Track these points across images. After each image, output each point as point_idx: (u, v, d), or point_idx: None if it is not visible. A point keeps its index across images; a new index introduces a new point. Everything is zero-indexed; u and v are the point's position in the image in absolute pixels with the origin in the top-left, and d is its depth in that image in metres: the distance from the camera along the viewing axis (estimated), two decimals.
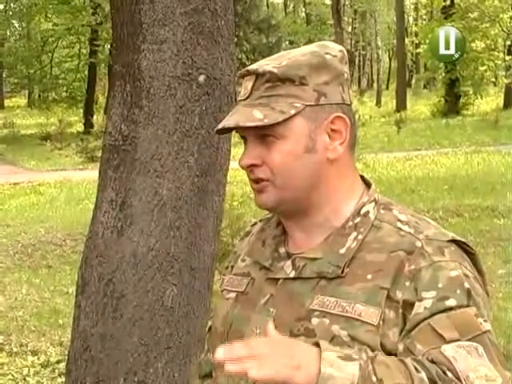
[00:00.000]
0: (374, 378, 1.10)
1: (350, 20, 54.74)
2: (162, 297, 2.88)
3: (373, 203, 1.37)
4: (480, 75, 31.04)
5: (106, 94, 30.88)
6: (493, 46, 30.79)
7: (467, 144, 19.48)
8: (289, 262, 1.36)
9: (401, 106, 32.46)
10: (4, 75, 36.69)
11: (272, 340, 1.10)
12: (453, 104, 29.76)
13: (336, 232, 1.35)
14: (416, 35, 39.91)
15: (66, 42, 33.53)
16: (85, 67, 32.52)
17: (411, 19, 53.52)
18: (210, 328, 1.56)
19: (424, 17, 48.90)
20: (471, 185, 12.10)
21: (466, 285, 1.25)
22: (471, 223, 9.59)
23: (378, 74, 43.26)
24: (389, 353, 1.22)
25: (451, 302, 1.22)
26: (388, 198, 1.41)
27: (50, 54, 33.39)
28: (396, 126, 24.26)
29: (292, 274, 1.35)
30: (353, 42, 53.99)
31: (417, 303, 1.23)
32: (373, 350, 1.22)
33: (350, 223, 1.35)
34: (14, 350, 5.69)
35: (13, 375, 5.22)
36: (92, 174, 12.52)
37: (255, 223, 1.55)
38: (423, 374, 1.12)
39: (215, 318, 1.49)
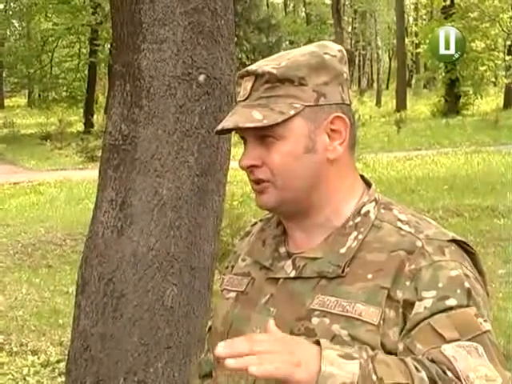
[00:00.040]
0: (374, 377, 1.10)
1: (350, 20, 54.75)
2: (162, 296, 2.88)
3: (373, 203, 1.37)
4: (480, 75, 31.04)
5: (106, 94, 30.89)
6: (493, 46, 30.79)
7: (467, 144, 19.48)
8: (289, 262, 1.36)
9: (401, 105, 32.46)
10: (4, 75, 36.70)
11: (272, 337, 1.10)
12: (453, 104, 29.77)
13: (336, 232, 1.35)
14: (416, 35, 39.93)
15: (66, 42, 33.53)
16: (85, 67, 32.52)
17: (411, 19, 53.54)
18: (210, 328, 1.56)
19: (424, 17, 48.91)
20: (471, 185, 12.10)
21: (467, 284, 1.25)
22: (471, 223, 9.59)
23: (378, 74, 43.26)
24: (389, 352, 1.22)
25: (451, 302, 1.22)
26: (388, 198, 1.41)
27: (50, 54, 33.39)
28: (396, 125, 24.26)
29: (292, 274, 1.35)
30: (353, 41, 54.00)
31: (417, 303, 1.23)
32: (373, 350, 1.22)
33: (351, 223, 1.35)
34: (14, 349, 5.69)
35: (13, 375, 5.22)
36: (92, 173, 12.52)
37: (255, 223, 1.55)
38: (423, 374, 1.12)
39: (215, 317, 1.49)
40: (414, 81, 49.38)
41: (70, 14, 28.61)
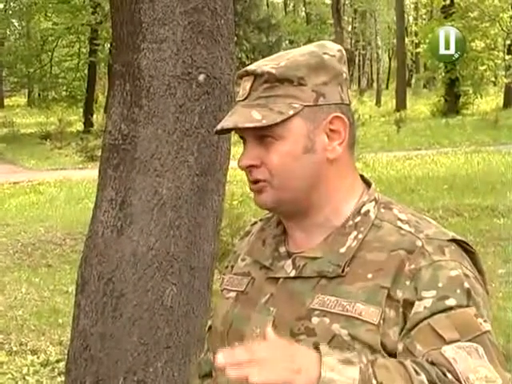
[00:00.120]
0: (374, 382, 1.10)
1: (350, 19, 54.74)
2: (161, 296, 2.88)
3: (373, 202, 1.37)
4: (480, 75, 31.04)
5: (106, 93, 30.87)
6: (493, 46, 30.78)
7: (467, 144, 19.48)
8: (289, 262, 1.36)
9: (400, 105, 32.47)
10: (4, 74, 36.66)
11: (272, 344, 1.10)
12: (453, 103, 29.76)
13: (336, 231, 1.35)
14: (416, 35, 39.91)
15: (66, 41, 33.52)
16: (85, 66, 32.51)
17: (411, 19, 53.53)
18: (209, 327, 1.56)
19: (424, 16, 48.89)
20: (471, 184, 12.10)
21: (466, 284, 1.25)
22: (471, 223, 9.59)
23: (378, 74, 43.27)
24: (389, 352, 1.22)
25: (451, 302, 1.22)
26: (388, 198, 1.41)
27: (49, 53, 33.38)
28: (396, 125, 24.26)
29: (292, 274, 1.35)
30: (353, 41, 54.00)
31: (416, 302, 1.23)
32: (373, 349, 1.23)
33: (351, 222, 1.35)
34: (14, 349, 5.69)
35: (12, 374, 5.22)
36: (92, 173, 12.51)
37: (255, 222, 1.55)
38: (423, 377, 1.12)
39: (215, 317, 1.49)
40: (413, 80, 49.38)
41: (69, 14, 28.62)
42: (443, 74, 31.43)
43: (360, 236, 1.32)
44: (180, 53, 2.89)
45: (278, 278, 1.36)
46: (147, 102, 2.89)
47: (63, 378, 3.77)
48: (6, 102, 43.19)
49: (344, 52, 1.40)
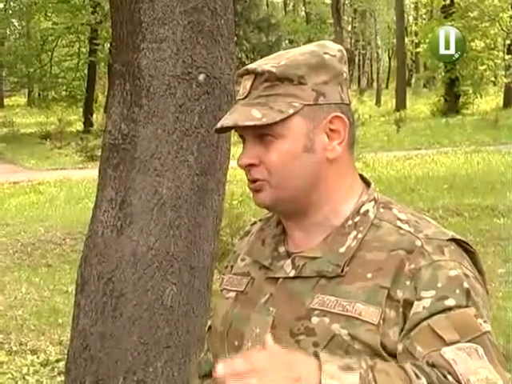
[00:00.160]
0: None
1: (350, 19, 54.75)
2: (161, 296, 2.88)
3: (372, 202, 1.37)
4: (480, 74, 31.04)
5: (106, 93, 30.87)
6: (492, 46, 30.78)
7: (467, 143, 19.48)
8: (288, 261, 1.36)
9: (400, 105, 32.47)
10: (4, 74, 36.65)
11: (271, 353, 1.09)
12: (452, 103, 29.77)
13: (336, 231, 1.35)
14: (416, 34, 39.89)
15: (66, 41, 33.51)
16: (84, 66, 32.50)
17: (411, 18, 53.54)
18: (209, 327, 1.55)
19: (424, 16, 48.90)
20: (471, 184, 12.10)
21: (466, 285, 1.24)
22: (471, 222, 9.59)
23: (378, 73, 43.28)
24: (389, 352, 1.22)
25: (450, 302, 1.22)
26: (388, 197, 1.41)
27: (49, 53, 33.36)
28: (396, 125, 24.26)
29: (292, 273, 1.35)
30: (352, 41, 54.01)
31: (416, 302, 1.23)
32: (373, 349, 1.22)
33: (350, 222, 1.35)
34: (14, 348, 5.69)
35: (12, 374, 5.22)
36: (92, 172, 12.52)
37: (255, 222, 1.55)
38: (423, 380, 1.11)
39: (215, 317, 1.48)
40: (413, 80, 49.39)
41: (69, 13, 28.60)
42: (443, 73, 31.43)
43: (359, 236, 1.32)
44: (180, 52, 2.89)
45: (278, 278, 1.36)
46: (147, 101, 2.89)
47: (63, 378, 3.77)
48: (6, 101, 43.20)
49: (344, 52, 1.40)
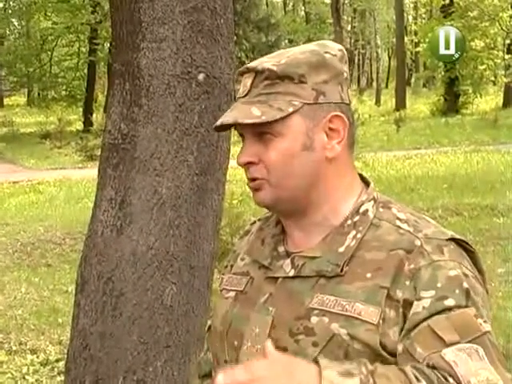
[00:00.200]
0: None
1: (350, 19, 54.75)
2: (161, 295, 2.88)
3: (372, 202, 1.37)
4: (479, 74, 31.05)
5: (106, 93, 30.84)
6: (492, 45, 30.78)
7: (466, 143, 19.49)
8: (288, 261, 1.36)
9: (400, 104, 32.47)
10: (3, 74, 36.63)
11: (271, 361, 1.09)
12: (452, 103, 29.77)
13: (335, 231, 1.34)
14: (415, 34, 39.93)
15: (66, 41, 33.51)
16: (84, 66, 32.50)
17: (410, 18, 53.54)
18: (209, 327, 1.55)
19: (423, 15, 48.92)
20: (470, 184, 12.10)
21: (465, 284, 1.24)
22: (471, 222, 9.59)
23: (378, 73, 43.30)
24: (389, 352, 1.22)
25: (450, 302, 1.21)
26: (387, 197, 1.41)
27: (49, 53, 33.37)
28: (395, 124, 24.26)
29: (291, 273, 1.35)
30: (352, 40, 53.98)
31: (415, 302, 1.23)
32: (372, 349, 1.22)
33: (349, 222, 1.34)
34: (14, 348, 5.70)
35: (12, 374, 5.22)
36: (91, 172, 12.52)
37: (254, 222, 1.55)
38: (424, 383, 1.11)
39: (214, 317, 1.48)
40: (413, 80, 49.38)
41: (69, 13, 28.59)
42: (443, 73, 31.43)
43: (359, 235, 1.32)
44: (180, 52, 2.88)
45: (277, 278, 1.36)
46: (147, 101, 2.89)
47: (63, 378, 3.77)
48: (6, 101, 43.21)
49: (345, 52, 1.40)
